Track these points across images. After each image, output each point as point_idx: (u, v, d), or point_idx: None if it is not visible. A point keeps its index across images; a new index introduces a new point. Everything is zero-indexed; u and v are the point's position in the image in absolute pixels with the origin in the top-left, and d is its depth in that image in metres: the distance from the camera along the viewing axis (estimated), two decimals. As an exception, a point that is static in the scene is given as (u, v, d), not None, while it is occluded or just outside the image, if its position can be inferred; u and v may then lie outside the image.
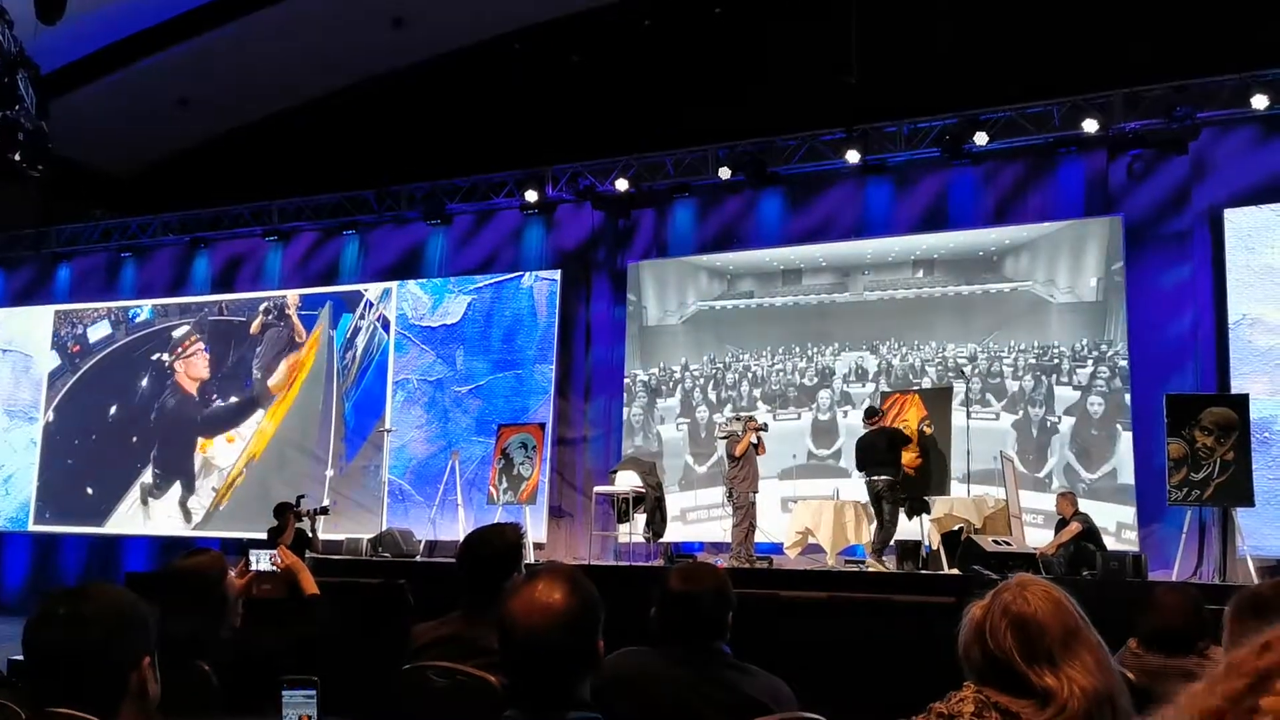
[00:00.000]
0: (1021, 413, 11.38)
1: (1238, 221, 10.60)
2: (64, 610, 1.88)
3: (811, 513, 10.53)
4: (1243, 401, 9.48)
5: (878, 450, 9.92)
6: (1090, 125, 10.93)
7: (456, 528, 12.04)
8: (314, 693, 2.45)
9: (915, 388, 11.40)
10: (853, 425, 11.67)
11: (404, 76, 14.28)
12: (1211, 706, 0.96)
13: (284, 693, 2.44)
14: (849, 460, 11.26)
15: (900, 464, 9.95)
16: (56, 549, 15.76)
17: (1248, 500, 9.25)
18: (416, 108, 13.87)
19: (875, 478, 9.88)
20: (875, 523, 10.01)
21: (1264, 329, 10.35)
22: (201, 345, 15.31)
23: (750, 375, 12.66)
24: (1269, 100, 10.31)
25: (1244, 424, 9.29)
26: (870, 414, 10.39)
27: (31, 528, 15.79)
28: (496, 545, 3.27)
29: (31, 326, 16.45)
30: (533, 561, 9.97)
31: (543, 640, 2.05)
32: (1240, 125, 10.75)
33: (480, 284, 13.87)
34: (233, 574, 3.52)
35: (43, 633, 1.87)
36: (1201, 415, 9.37)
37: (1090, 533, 9.49)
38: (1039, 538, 10.01)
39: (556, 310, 13.32)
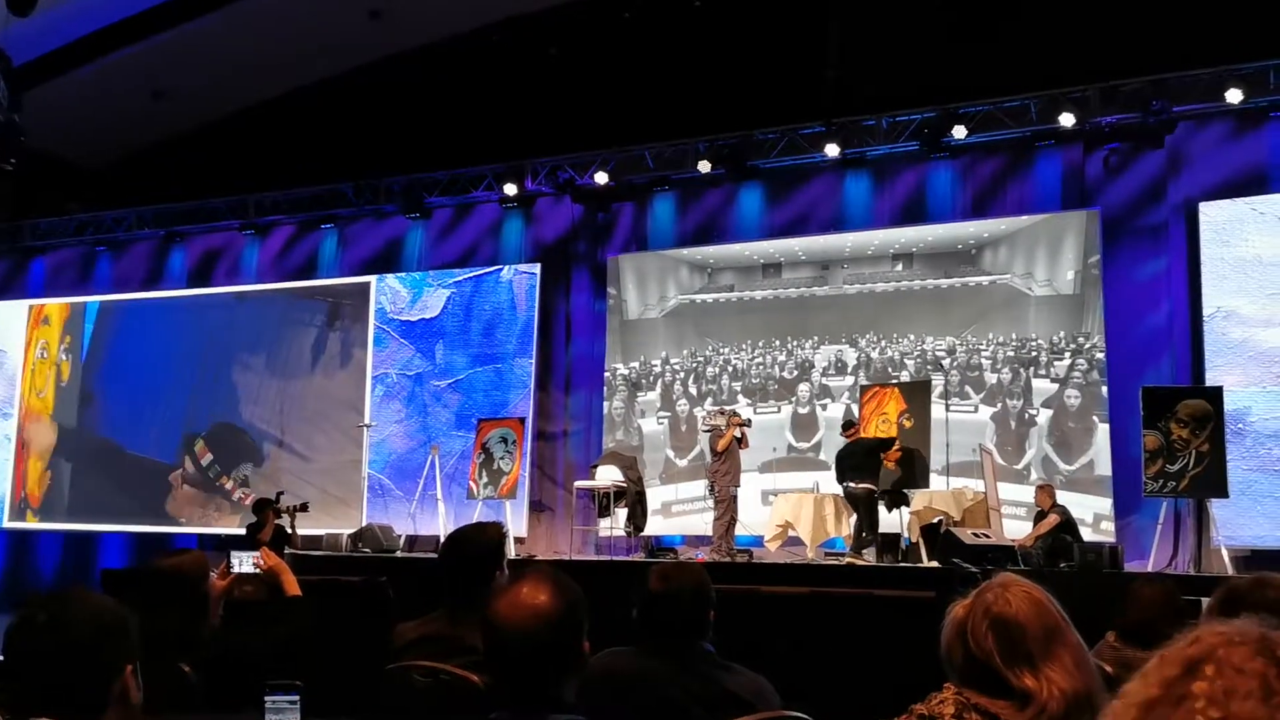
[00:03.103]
0: (1000, 405, 11.45)
1: (1213, 215, 10.67)
2: (45, 617, 1.87)
3: (791, 506, 10.57)
4: (1217, 394, 9.57)
5: (856, 457, 9.97)
6: (1067, 119, 10.99)
7: (436, 522, 12.02)
8: (297, 697, 2.44)
9: (894, 381, 11.46)
10: (832, 418, 11.73)
11: (381, 69, 14.19)
12: (1150, 695, 1.05)
13: (267, 697, 2.44)
14: (828, 453, 11.31)
15: (879, 472, 9.97)
16: (31, 546, 15.63)
17: (1222, 492, 9.34)
18: (394, 100, 13.79)
19: (854, 484, 9.90)
20: (855, 521, 10.06)
21: (1238, 321, 10.43)
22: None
23: (730, 369, 12.68)
24: (1244, 94, 10.38)
25: (1219, 416, 9.38)
26: (847, 426, 10.45)
27: (6, 524, 15.67)
28: (478, 544, 3.28)
29: (5, 321, 16.30)
30: (514, 557, 9.98)
31: (529, 641, 2.05)
32: (1215, 119, 10.82)
33: (459, 278, 13.82)
34: (214, 575, 3.52)
35: (24, 639, 1.86)
36: (1177, 407, 9.46)
37: (1068, 524, 9.56)
38: (1018, 530, 10.08)
39: (536, 304, 13.30)
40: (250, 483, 14.35)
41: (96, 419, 15.61)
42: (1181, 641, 1.08)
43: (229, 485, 14.60)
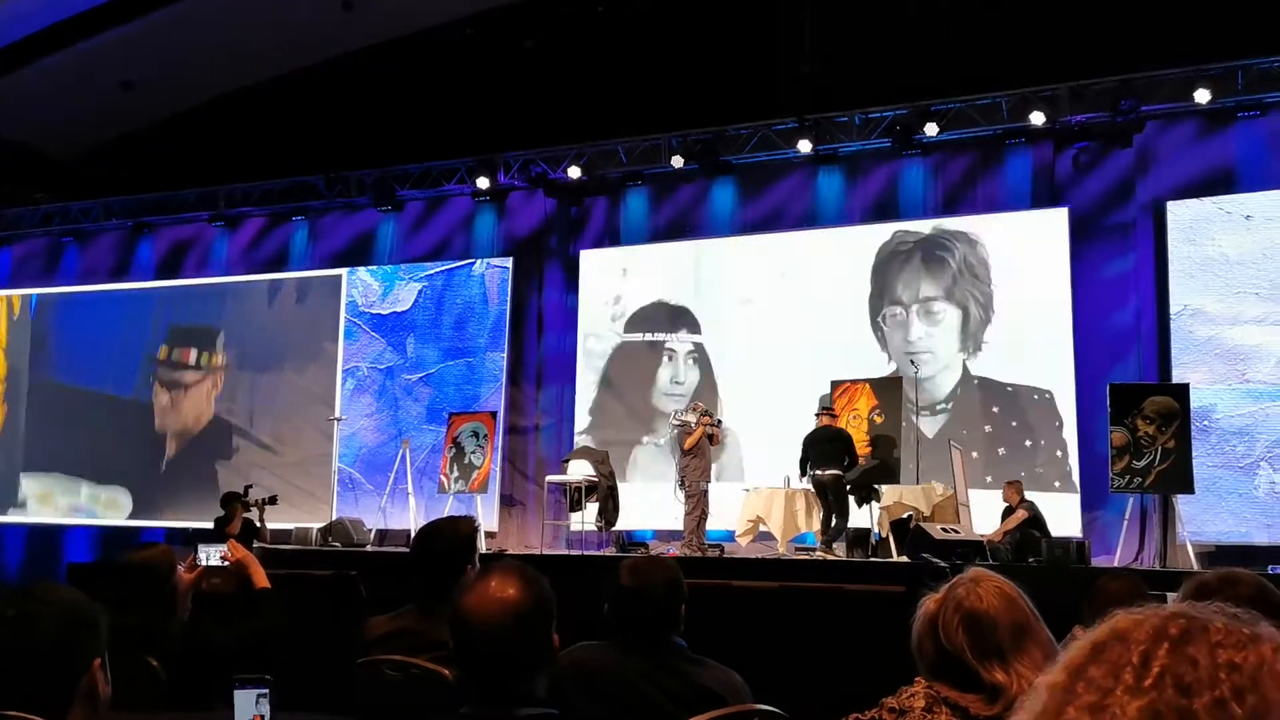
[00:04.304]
0: (969, 401, 11.51)
1: (1180, 214, 10.78)
2: (13, 612, 1.85)
3: (763, 501, 10.58)
4: (1183, 391, 9.66)
5: (821, 445, 9.95)
6: (1037, 118, 11.07)
7: (407, 516, 11.97)
8: (266, 691, 2.43)
9: (865, 377, 11.48)
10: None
11: (354, 60, 14.09)
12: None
13: (236, 691, 2.42)
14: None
15: (844, 460, 9.95)
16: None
17: (1188, 488, 9.44)
18: (367, 92, 13.70)
19: (821, 472, 9.90)
20: (823, 512, 10.07)
21: (1204, 320, 10.55)
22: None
23: (702, 364, 12.68)
24: (1212, 94, 10.50)
25: (1184, 413, 9.47)
26: (824, 411, 10.44)
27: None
28: (449, 538, 3.28)
29: (-31, 312, 16.11)
30: (485, 551, 9.96)
31: (497, 635, 2.05)
32: (1183, 119, 10.93)
33: (431, 271, 13.77)
34: (181, 568, 3.49)
35: (-8, 634, 1.84)
36: (1144, 404, 9.54)
37: (1035, 520, 9.63)
38: (986, 525, 10.14)
39: (508, 298, 13.27)
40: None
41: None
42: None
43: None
